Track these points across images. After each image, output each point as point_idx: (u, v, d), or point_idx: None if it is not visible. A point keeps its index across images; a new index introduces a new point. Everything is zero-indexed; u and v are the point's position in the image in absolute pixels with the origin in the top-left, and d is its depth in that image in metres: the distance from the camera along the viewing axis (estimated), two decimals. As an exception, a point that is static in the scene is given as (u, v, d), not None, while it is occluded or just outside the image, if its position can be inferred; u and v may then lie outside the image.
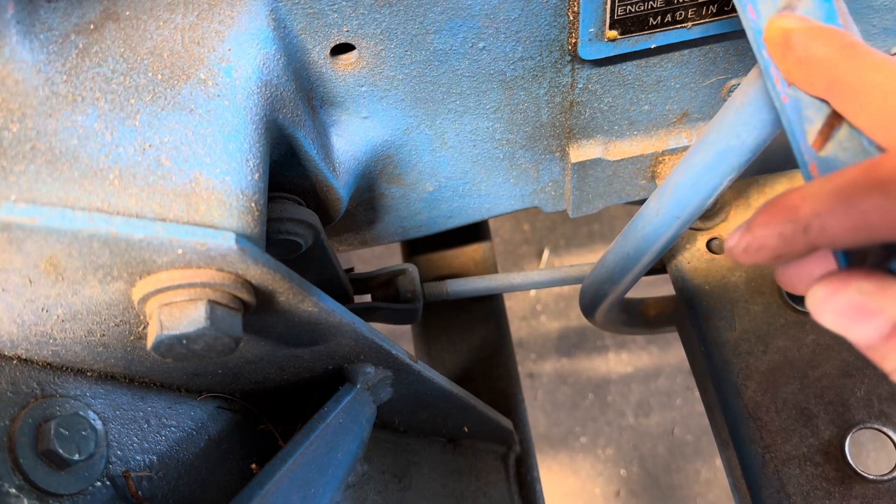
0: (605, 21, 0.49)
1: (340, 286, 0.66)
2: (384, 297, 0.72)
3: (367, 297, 0.73)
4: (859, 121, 0.31)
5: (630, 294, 0.67)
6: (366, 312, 0.70)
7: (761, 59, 0.35)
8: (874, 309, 0.28)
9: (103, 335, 0.37)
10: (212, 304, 0.33)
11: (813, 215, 0.29)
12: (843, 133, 0.32)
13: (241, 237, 0.33)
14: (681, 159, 0.47)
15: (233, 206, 0.37)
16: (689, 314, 0.68)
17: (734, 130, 0.42)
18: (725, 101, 0.60)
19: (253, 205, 0.39)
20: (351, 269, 0.72)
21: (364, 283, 0.72)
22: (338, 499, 0.54)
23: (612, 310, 0.68)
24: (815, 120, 0.33)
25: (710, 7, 0.49)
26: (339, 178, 0.54)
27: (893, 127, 0.29)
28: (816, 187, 0.29)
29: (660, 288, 1.14)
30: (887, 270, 0.29)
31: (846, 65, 0.31)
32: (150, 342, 0.33)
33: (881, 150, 0.31)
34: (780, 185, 0.70)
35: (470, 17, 0.48)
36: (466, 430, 0.68)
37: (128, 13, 0.40)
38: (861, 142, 0.31)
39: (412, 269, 0.71)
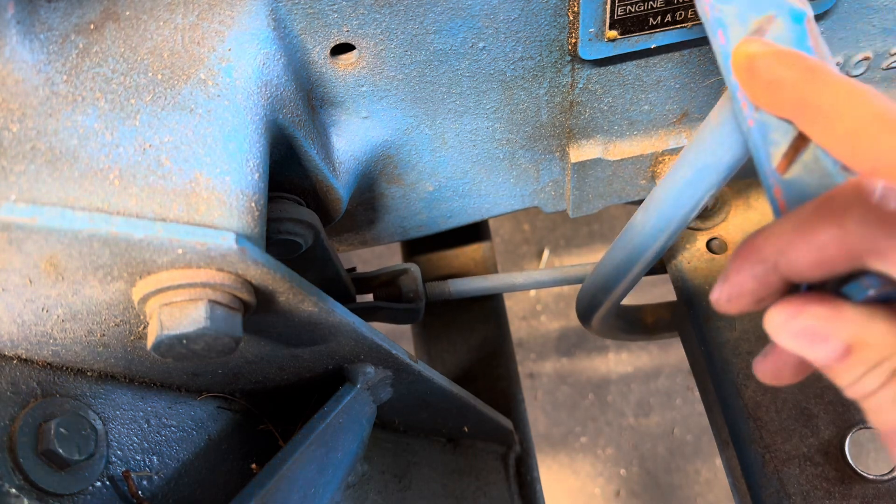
0: (605, 21, 0.49)
1: (342, 286, 0.66)
2: (386, 296, 0.72)
3: (370, 297, 0.73)
4: (825, 140, 0.32)
5: (631, 293, 0.67)
6: (368, 312, 0.70)
7: (729, 83, 0.36)
8: (827, 333, 0.29)
9: (103, 335, 0.37)
10: (212, 304, 0.33)
11: (778, 254, 0.29)
12: (808, 155, 0.33)
13: (241, 237, 0.33)
14: (665, 174, 0.49)
15: (233, 206, 0.37)
16: (690, 314, 0.68)
17: (710, 149, 0.42)
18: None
19: (253, 205, 0.39)
20: (353, 269, 0.72)
21: (366, 282, 0.72)
22: (338, 499, 0.54)
23: (609, 317, 0.68)
24: (780, 143, 0.34)
25: (710, 7, 0.49)
26: (339, 177, 0.54)
27: (859, 146, 0.30)
28: (778, 225, 0.30)
29: (659, 288, 1.15)
30: (841, 294, 0.30)
31: (811, 86, 0.32)
32: (150, 342, 0.33)
33: (846, 170, 0.31)
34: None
35: (470, 17, 0.48)
36: (466, 430, 0.68)
37: (128, 13, 0.40)
38: (826, 164, 0.32)
39: (414, 268, 0.72)
